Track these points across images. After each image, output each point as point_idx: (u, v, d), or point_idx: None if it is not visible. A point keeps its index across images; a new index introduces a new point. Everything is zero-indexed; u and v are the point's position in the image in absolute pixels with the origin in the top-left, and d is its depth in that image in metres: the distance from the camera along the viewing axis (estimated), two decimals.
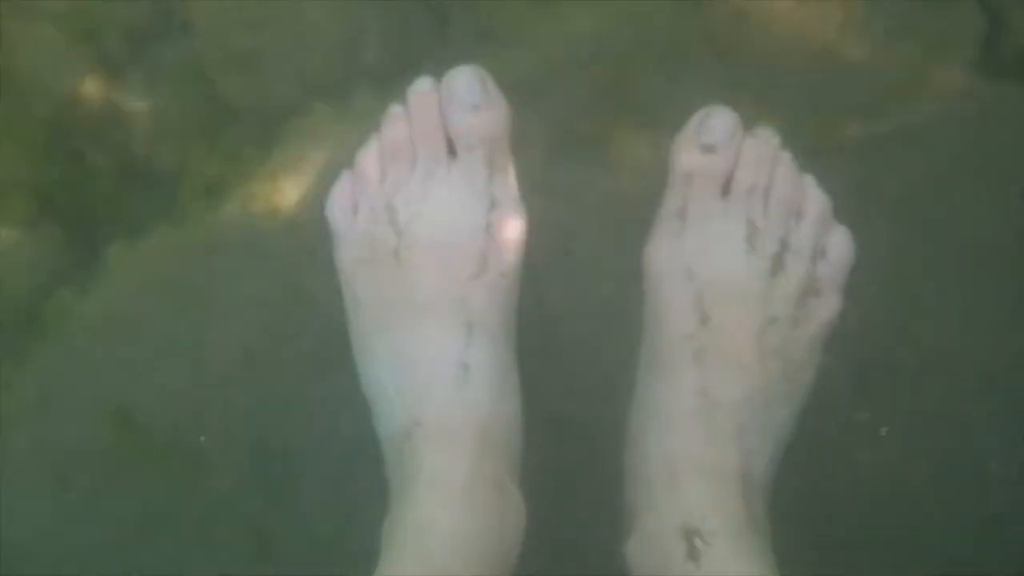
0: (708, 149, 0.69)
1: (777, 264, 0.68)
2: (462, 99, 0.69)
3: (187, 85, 0.86)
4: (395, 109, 0.71)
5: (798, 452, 0.70)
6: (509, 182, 0.71)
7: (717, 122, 0.70)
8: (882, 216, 0.78)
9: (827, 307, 0.69)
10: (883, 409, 0.78)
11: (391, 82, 0.73)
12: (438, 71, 0.71)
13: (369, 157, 0.72)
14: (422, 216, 0.69)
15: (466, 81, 0.69)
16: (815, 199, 0.70)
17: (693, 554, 0.61)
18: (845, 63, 0.79)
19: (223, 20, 0.86)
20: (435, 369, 0.67)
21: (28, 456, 0.81)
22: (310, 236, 0.78)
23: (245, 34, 0.85)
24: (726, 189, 0.70)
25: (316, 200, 0.75)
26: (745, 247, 0.68)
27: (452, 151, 0.70)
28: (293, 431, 0.81)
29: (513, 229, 0.70)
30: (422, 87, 0.70)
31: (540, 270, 0.78)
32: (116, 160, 0.87)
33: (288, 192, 0.82)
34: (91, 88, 0.86)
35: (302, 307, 0.81)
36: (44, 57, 0.86)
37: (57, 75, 0.86)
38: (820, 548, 0.74)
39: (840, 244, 0.70)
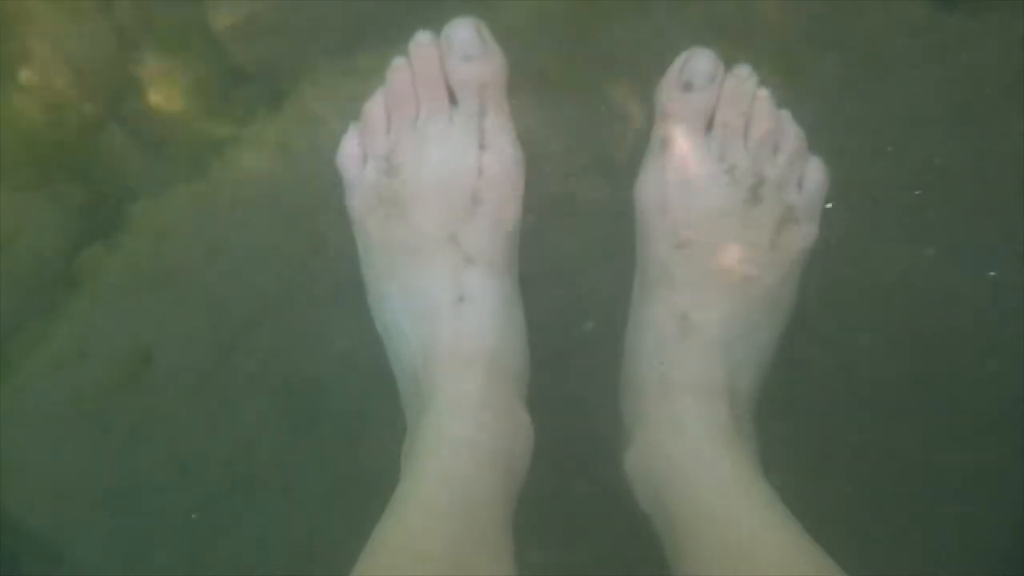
0: (690, 88, 0.72)
1: (756, 194, 0.71)
2: (460, 49, 0.71)
3: (198, 49, 0.87)
4: (398, 61, 0.73)
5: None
6: (506, 125, 0.74)
7: (698, 63, 0.72)
8: (853, 144, 0.80)
9: (804, 234, 0.73)
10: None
11: (396, 39, 0.75)
12: (439, 24, 0.73)
13: (375, 107, 0.74)
14: (425, 161, 0.72)
15: (464, 32, 0.71)
16: (791, 133, 0.73)
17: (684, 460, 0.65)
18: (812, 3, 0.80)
19: None
20: (438, 302, 0.70)
21: (67, 402, 0.84)
22: (323, 186, 0.79)
23: None
24: (708, 125, 0.73)
25: (327, 152, 0.77)
26: (726, 179, 0.71)
27: (453, 99, 0.73)
28: (313, 371, 0.83)
29: (510, 169, 0.73)
30: (422, 39, 0.72)
31: (538, 209, 0.80)
32: (134, 124, 0.88)
33: (300, 146, 0.83)
34: (106, 54, 0.88)
35: (317, 254, 0.83)
36: (61, 27, 0.87)
37: (74, 43, 0.87)
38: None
39: (815, 174, 0.73)
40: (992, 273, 0.79)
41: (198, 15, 0.87)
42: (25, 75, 0.87)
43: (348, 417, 0.83)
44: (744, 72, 0.73)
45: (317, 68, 0.85)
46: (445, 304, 0.70)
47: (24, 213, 0.87)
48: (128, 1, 0.88)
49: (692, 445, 0.65)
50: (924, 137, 0.80)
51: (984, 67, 0.80)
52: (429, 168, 0.72)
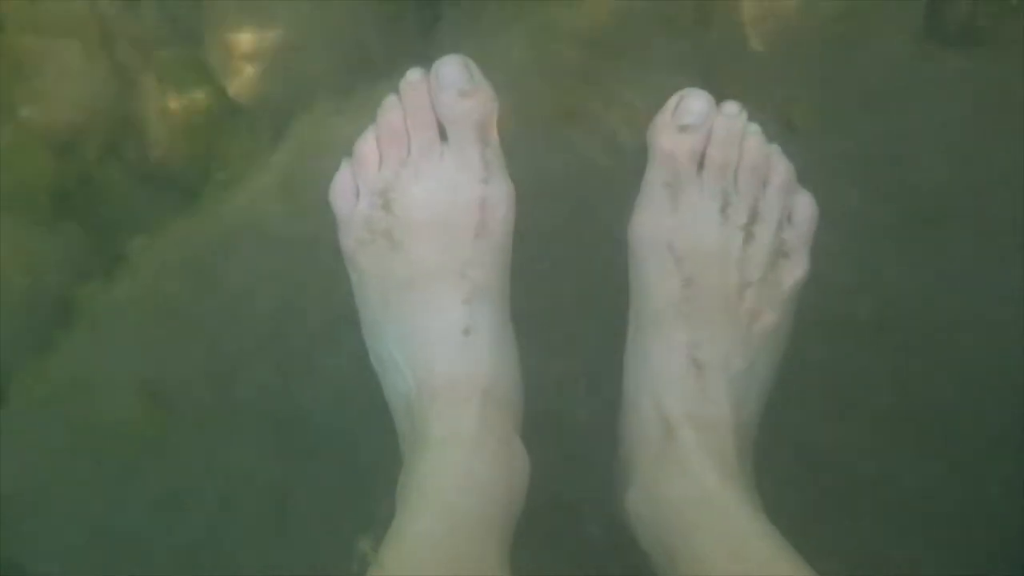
0: (684, 129, 0.72)
1: (749, 231, 0.71)
2: (450, 86, 0.71)
3: (197, 87, 0.88)
4: (390, 99, 0.73)
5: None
6: (498, 160, 0.74)
7: (692, 103, 0.72)
8: (843, 179, 0.80)
9: (796, 268, 0.73)
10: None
11: (389, 75, 0.75)
12: (430, 62, 0.73)
13: (367, 145, 0.74)
14: (418, 197, 0.72)
15: (453, 69, 0.71)
16: (780, 167, 0.73)
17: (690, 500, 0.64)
18: (801, 38, 0.82)
19: (227, 25, 0.88)
20: (439, 335, 0.70)
21: (64, 437, 0.84)
22: (317, 221, 0.79)
23: (249, 37, 0.87)
24: (700, 164, 0.73)
25: (321, 188, 0.76)
26: (719, 218, 0.72)
27: (444, 135, 0.73)
28: (309, 404, 0.83)
29: (504, 202, 0.73)
30: (413, 77, 0.72)
31: (531, 238, 0.79)
32: (133, 160, 0.89)
33: (295, 182, 0.84)
34: (107, 92, 0.89)
35: (313, 288, 0.83)
36: (63, 66, 0.88)
37: (74, 83, 0.89)
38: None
39: (805, 208, 0.73)
40: (986, 303, 0.80)
41: (197, 54, 0.88)
42: (26, 112, 0.88)
43: (344, 450, 0.83)
44: (734, 109, 0.73)
45: (312, 106, 0.86)
46: (443, 335, 0.71)
47: (24, 249, 0.88)
48: (128, 40, 0.89)
49: (697, 483, 0.65)
50: (915, 170, 0.81)
51: (974, 102, 0.81)
52: (424, 203, 0.73)
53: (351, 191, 0.75)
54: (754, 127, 0.73)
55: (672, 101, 0.73)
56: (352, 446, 0.83)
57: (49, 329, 0.87)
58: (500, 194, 0.74)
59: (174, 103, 0.89)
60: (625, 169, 0.79)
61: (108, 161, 0.90)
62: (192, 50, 0.89)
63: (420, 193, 0.73)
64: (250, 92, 0.88)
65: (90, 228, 0.89)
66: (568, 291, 0.83)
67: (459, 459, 0.65)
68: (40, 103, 0.89)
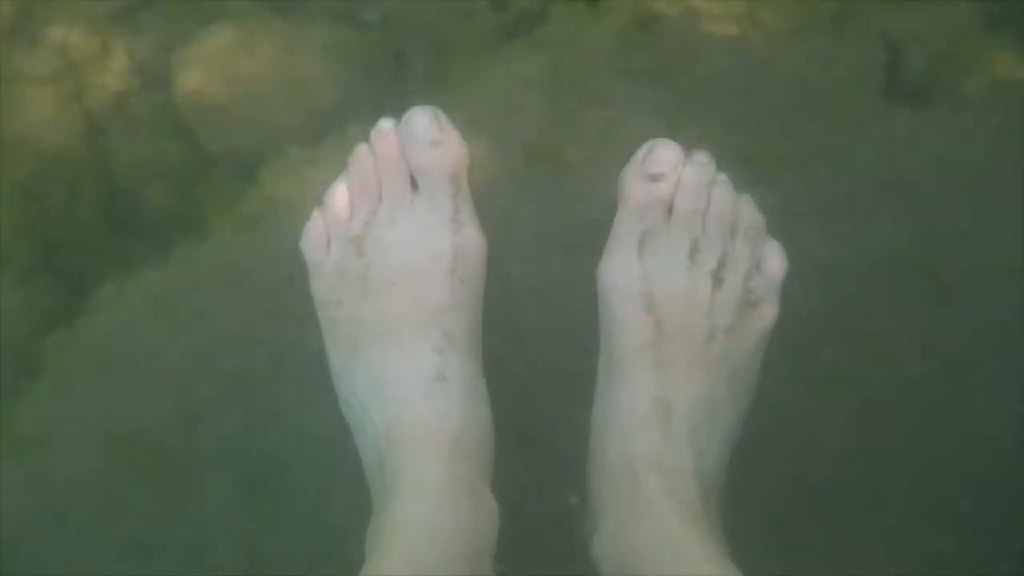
0: (653, 178, 0.72)
1: (717, 278, 0.72)
2: (420, 136, 0.72)
3: (168, 135, 0.88)
4: (361, 148, 0.74)
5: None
6: (467, 208, 0.75)
7: (662, 153, 0.72)
8: (806, 232, 0.82)
9: (765, 315, 0.73)
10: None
11: (361, 124, 0.77)
12: (400, 112, 0.74)
13: (338, 194, 0.75)
14: (389, 246, 0.73)
15: (423, 119, 0.72)
16: (749, 217, 0.74)
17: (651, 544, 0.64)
18: (769, 93, 0.84)
19: (197, 75, 0.88)
20: (409, 384, 0.70)
21: (25, 491, 0.83)
22: (287, 269, 0.79)
23: (220, 87, 0.88)
24: (669, 211, 0.73)
25: (292, 236, 0.77)
26: (688, 264, 0.72)
27: (414, 184, 0.74)
28: (277, 452, 0.83)
29: (475, 250, 0.74)
30: (384, 126, 0.73)
31: (503, 290, 0.81)
32: (101, 208, 0.89)
33: (265, 230, 0.84)
34: (77, 142, 0.89)
35: (282, 335, 0.83)
36: (32, 115, 0.89)
37: (45, 131, 0.88)
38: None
39: (774, 257, 0.74)
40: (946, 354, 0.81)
41: (167, 103, 0.88)
42: None
43: (313, 499, 0.83)
44: (703, 158, 0.74)
45: (283, 155, 0.86)
46: (414, 384, 0.71)
47: None
48: (99, 90, 0.90)
49: (662, 526, 0.65)
50: (877, 221, 0.82)
51: (931, 155, 0.82)
52: (395, 251, 0.73)
53: (322, 239, 0.75)
54: (723, 176, 0.74)
55: (642, 151, 0.74)
56: (323, 495, 0.82)
57: (13, 379, 0.86)
58: (471, 242, 0.74)
59: (144, 151, 0.89)
60: (595, 217, 0.80)
61: (77, 209, 0.90)
62: (163, 99, 0.89)
63: (391, 242, 0.73)
64: (221, 141, 0.89)
65: (57, 276, 0.89)
66: (540, 338, 0.84)
67: (425, 510, 0.64)
68: (8, 150, 0.88)
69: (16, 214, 0.89)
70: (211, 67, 0.89)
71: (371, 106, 0.79)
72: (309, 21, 0.90)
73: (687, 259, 0.73)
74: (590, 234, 0.80)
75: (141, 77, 0.91)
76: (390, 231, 0.74)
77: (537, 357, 0.83)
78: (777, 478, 0.81)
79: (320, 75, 0.89)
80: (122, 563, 0.82)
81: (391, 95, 0.81)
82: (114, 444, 0.83)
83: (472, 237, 0.75)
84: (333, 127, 0.86)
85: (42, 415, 0.85)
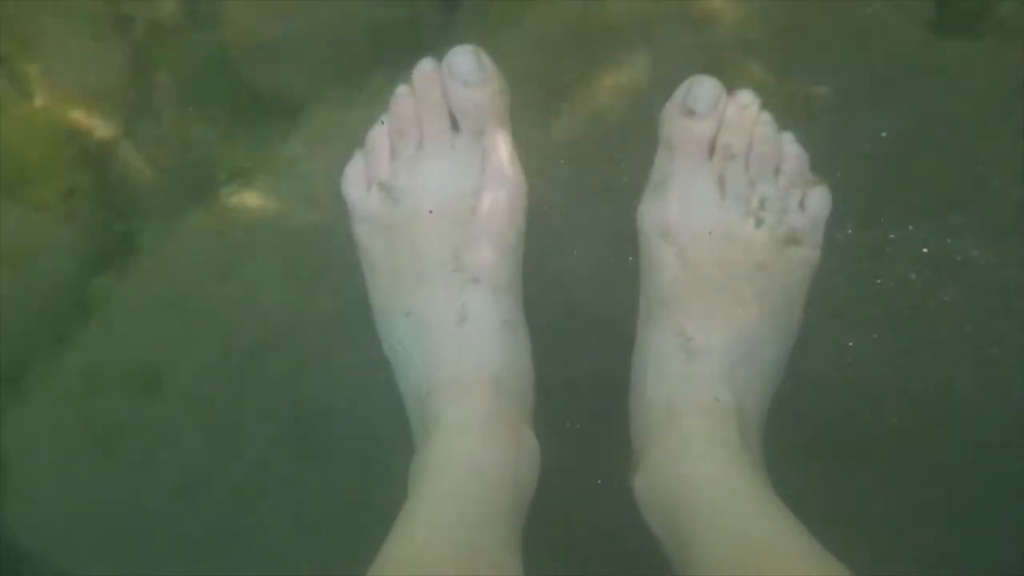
0: (693, 115, 0.72)
1: (759, 217, 0.72)
2: (462, 76, 0.72)
3: (212, 72, 0.89)
4: (401, 89, 0.74)
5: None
6: (507, 149, 0.74)
7: (702, 90, 0.72)
8: (855, 168, 0.81)
9: (807, 256, 0.73)
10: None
11: (403, 68, 0.76)
12: (442, 53, 0.73)
13: (379, 135, 0.75)
14: (428, 186, 0.73)
15: (464, 59, 0.72)
16: (793, 155, 0.73)
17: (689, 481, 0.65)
18: (813, 28, 0.82)
19: (246, 13, 0.88)
20: (442, 324, 0.71)
21: (78, 430, 0.84)
22: (329, 212, 0.81)
23: (269, 26, 0.87)
24: (711, 150, 0.73)
25: (333, 177, 0.77)
26: (729, 203, 0.72)
27: (455, 124, 0.73)
28: (321, 395, 0.83)
29: (514, 194, 0.74)
30: (425, 67, 0.73)
31: (544, 233, 0.81)
32: (147, 149, 0.90)
33: (307, 172, 0.84)
34: (121, 76, 0.89)
35: (325, 279, 0.84)
36: (77, 50, 0.89)
37: (89, 67, 0.89)
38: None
39: (818, 197, 0.73)
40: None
41: (215, 40, 0.89)
42: (41, 95, 0.88)
43: (357, 441, 0.84)
44: (746, 98, 0.73)
45: (324, 96, 0.86)
46: (448, 325, 0.71)
47: (38, 235, 0.88)
48: (145, 24, 0.89)
49: (700, 465, 0.65)
50: (924, 158, 0.81)
51: (979, 88, 0.81)
52: (430, 193, 0.73)
53: (363, 181, 0.75)
54: (766, 116, 0.73)
55: (682, 88, 0.73)
56: (367, 438, 0.83)
57: (62, 323, 0.87)
58: (510, 185, 0.74)
59: (191, 91, 0.90)
60: (636, 156, 0.79)
61: (122, 147, 0.90)
62: (210, 36, 0.89)
63: (430, 181, 0.74)
64: (267, 80, 0.89)
65: (103, 218, 0.89)
66: (579, 281, 0.83)
67: (467, 447, 0.65)
68: (51, 85, 0.89)
69: (62, 148, 0.89)
70: (261, 5, 0.88)
71: (416, 49, 0.77)
72: None
73: (727, 198, 0.72)
74: (632, 176, 0.79)
75: (188, 14, 0.90)
76: (430, 171, 0.74)
77: (578, 299, 0.83)
78: (820, 419, 0.81)
79: (366, 16, 0.88)
80: (168, 502, 0.84)
81: (436, 38, 0.80)
82: (160, 386, 0.85)
83: (512, 178, 0.74)
84: (378, 67, 0.86)
85: (90, 357, 0.86)
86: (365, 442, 0.83)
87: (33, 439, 0.86)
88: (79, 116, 0.89)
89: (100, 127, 0.89)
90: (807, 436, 0.80)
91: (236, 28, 0.88)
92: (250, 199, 0.86)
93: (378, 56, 0.87)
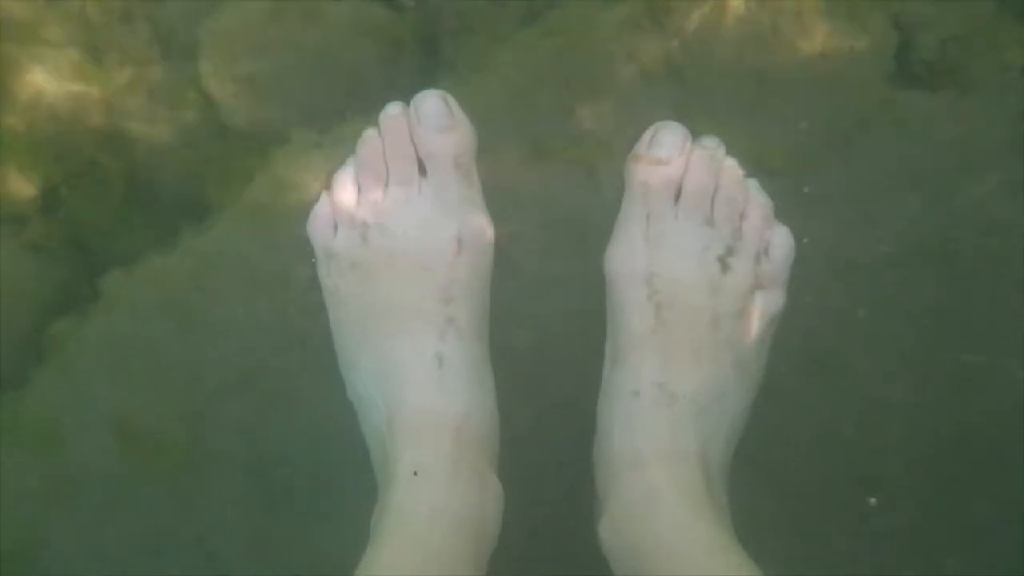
0: (659, 161, 0.72)
1: (725, 263, 0.72)
2: (429, 120, 0.72)
3: (186, 106, 0.88)
4: (369, 132, 0.74)
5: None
6: (476, 195, 0.75)
7: (667, 135, 0.72)
8: (816, 216, 0.82)
9: (772, 301, 0.73)
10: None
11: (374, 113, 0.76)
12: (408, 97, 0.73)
13: (346, 178, 0.74)
14: (396, 231, 0.73)
15: (432, 104, 0.72)
16: (758, 201, 0.73)
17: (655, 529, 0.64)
18: (779, 79, 0.83)
19: (225, 47, 0.88)
20: (412, 367, 0.70)
21: (37, 479, 0.83)
22: (294, 255, 0.80)
23: (246, 62, 0.88)
24: (676, 196, 0.73)
25: (298, 221, 0.77)
26: (695, 249, 0.72)
27: (422, 169, 0.73)
28: (285, 443, 0.83)
29: (481, 237, 0.74)
30: (392, 111, 0.73)
31: (510, 278, 0.81)
32: (116, 184, 0.89)
33: (272, 214, 0.84)
34: (93, 107, 0.88)
35: (289, 323, 0.83)
36: (48, 80, 0.88)
37: (60, 98, 0.88)
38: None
39: (782, 242, 0.73)
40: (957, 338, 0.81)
41: (190, 72, 0.89)
42: (11, 120, 0.88)
43: (321, 489, 0.83)
44: (712, 143, 0.74)
45: (289, 139, 0.86)
46: (416, 368, 0.71)
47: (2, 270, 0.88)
48: (119, 54, 0.89)
49: (666, 513, 0.65)
50: (888, 208, 0.82)
51: (940, 139, 0.82)
52: (396, 235, 0.73)
53: (329, 223, 0.75)
54: (731, 161, 0.74)
55: (648, 133, 0.74)
56: (331, 486, 0.83)
57: (20, 366, 0.86)
58: (478, 228, 0.74)
59: (163, 121, 0.89)
60: (602, 202, 0.80)
61: (89, 179, 0.89)
62: (185, 68, 0.89)
63: (397, 226, 0.73)
64: (240, 117, 0.89)
65: (66, 259, 0.89)
66: (546, 326, 0.83)
67: (429, 493, 0.65)
68: (24, 112, 0.88)
69: (24, 187, 0.88)
70: (239, 41, 0.88)
71: (399, 92, 0.78)
72: None
73: (693, 244, 0.72)
74: (598, 220, 0.79)
75: (163, 45, 0.90)
76: (397, 215, 0.73)
77: (545, 345, 0.83)
78: (786, 466, 0.81)
79: (346, 54, 0.88)
80: (132, 553, 0.83)
81: (420, 82, 0.80)
82: (123, 434, 0.84)
83: (479, 223, 0.74)
84: (349, 111, 0.87)
85: (51, 405, 0.85)
86: (330, 489, 0.82)
87: None
88: (49, 142, 0.89)
89: (69, 154, 0.89)
90: (773, 489, 0.80)
91: (212, 61, 0.88)
92: (213, 241, 0.85)
93: (350, 100, 0.87)
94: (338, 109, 0.86)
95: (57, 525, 0.83)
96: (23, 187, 0.89)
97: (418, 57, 0.89)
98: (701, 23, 0.83)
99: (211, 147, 0.89)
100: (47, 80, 0.88)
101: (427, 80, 0.79)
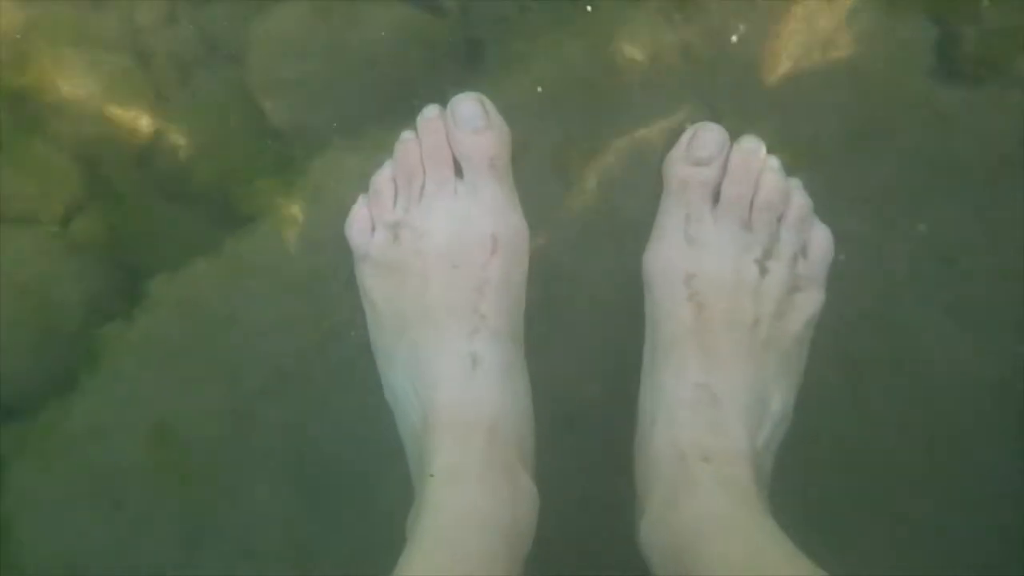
0: (699, 162, 0.73)
1: (763, 265, 0.72)
2: (465, 123, 0.73)
3: (230, 110, 0.89)
4: (406, 134, 0.76)
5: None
6: (511, 195, 0.75)
7: (706, 137, 0.73)
8: (856, 215, 0.81)
9: (811, 300, 0.73)
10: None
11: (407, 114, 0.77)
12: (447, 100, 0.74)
13: (383, 179, 0.76)
14: (432, 231, 0.74)
15: (468, 106, 0.73)
16: (797, 201, 0.73)
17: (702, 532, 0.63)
18: (816, 76, 0.82)
19: (270, 50, 0.89)
20: (446, 366, 0.71)
21: (83, 479, 0.84)
22: (334, 256, 0.81)
23: (290, 65, 0.88)
24: (716, 197, 0.73)
25: (338, 223, 0.78)
26: (733, 252, 0.72)
27: (459, 171, 0.74)
28: (325, 441, 0.83)
29: (516, 238, 0.75)
30: (430, 113, 0.74)
31: (546, 277, 0.81)
32: (159, 184, 0.90)
33: (311, 217, 0.85)
34: (139, 110, 0.89)
35: (329, 324, 0.83)
36: (93, 82, 0.89)
37: (105, 100, 0.89)
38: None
39: (820, 242, 0.73)
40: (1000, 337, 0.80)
41: (235, 76, 0.90)
42: (55, 127, 0.89)
43: (360, 488, 0.83)
44: (752, 144, 0.73)
45: (331, 142, 0.87)
46: (455, 368, 0.71)
47: (44, 277, 0.89)
48: (166, 57, 0.90)
49: (713, 509, 0.64)
50: (928, 205, 0.81)
51: (983, 136, 0.81)
52: (434, 236, 0.74)
53: (367, 225, 0.76)
54: (773, 161, 0.74)
55: (687, 134, 0.74)
56: (370, 485, 0.83)
57: (68, 369, 0.87)
58: (514, 229, 0.75)
59: (206, 124, 0.90)
60: (638, 202, 0.80)
61: (133, 181, 0.90)
62: (230, 71, 0.90)
63: (434, 227, 0.74)
64: (283, 119, 0.89)
65: (108, 262, 0.90)
66: (584, 326, 0.83)
67: (462, 494, 0.65)
68: (70, 116, 0.89)
69: (74, 180, 0.89)
70: (284, 45, 0.89)
71: (434, 91, 0.79)
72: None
73: (731, 247, 0.72)
74: (633, 217, 0.80)
75: (209, 48, 0.91)
76: (433, 217, 0.74)
77: (583, 344, 0.82)
78: (822, 463, 0.80)
79: (388, 58, 0.88)
80: (175, 552, 0.83)
81: (457, 81, 0.81)
82: (166, 435, 0.84)
83: (515, 224, 0.75)
84: (378, 113, 0.87)
85: (96, 406, 0.86)
86: (369, 487, 0.83)
87: (38, 489, 0.85)
88: (94, 145, 0.89)
89: (114, 158, 0.90)
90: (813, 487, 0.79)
91: (257, 64, 0.89)
92: (254, 245, 0.86)
93: (391, 103, 0.87)
94: (378, 112, 0.87)
95: (101, 524, 0.84)
96: (67, 190, 0.90)
97: (458, 60, 0.89)
98: (732, 18, 0.82)
99: (254, 150, 0.90)
100: (93, 82, 0.89)
101: (466, 83, 0.79)
